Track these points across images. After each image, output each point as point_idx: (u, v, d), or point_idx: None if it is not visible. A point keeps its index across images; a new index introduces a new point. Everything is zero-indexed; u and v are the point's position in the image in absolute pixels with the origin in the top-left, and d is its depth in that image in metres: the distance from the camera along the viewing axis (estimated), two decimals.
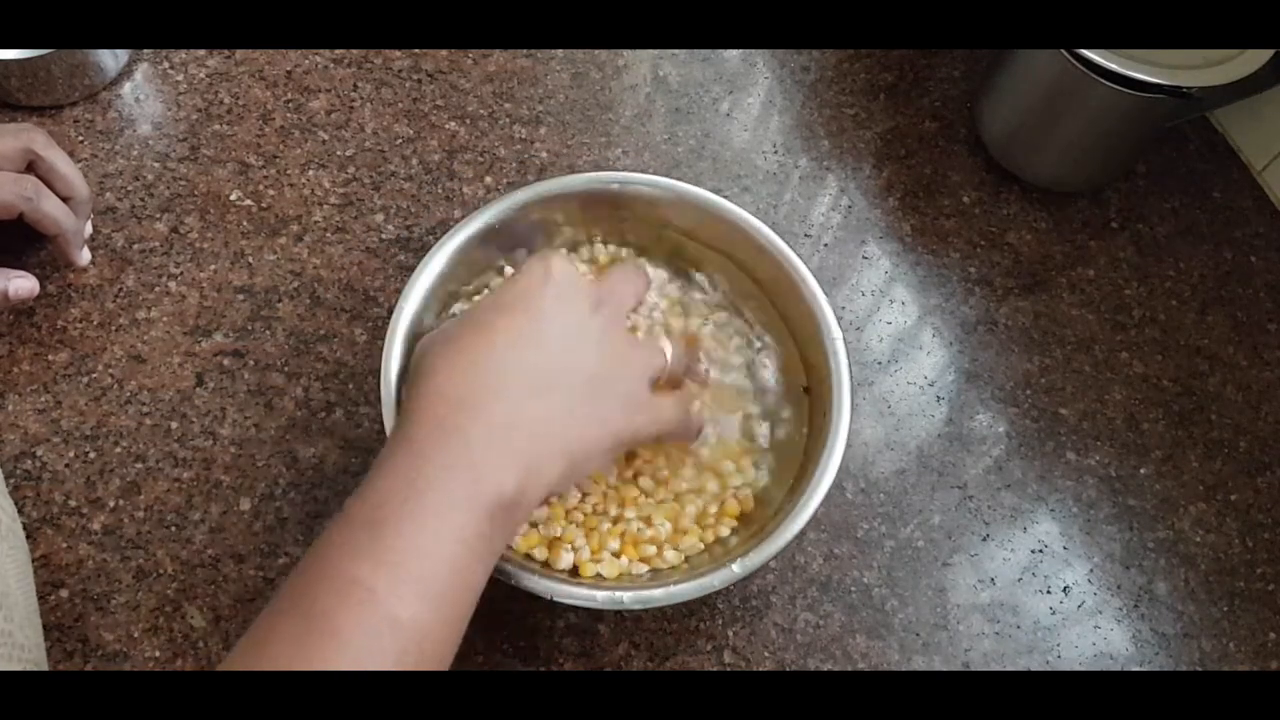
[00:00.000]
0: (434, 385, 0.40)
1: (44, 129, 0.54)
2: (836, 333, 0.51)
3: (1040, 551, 0.56)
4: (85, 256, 0.56)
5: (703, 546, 0.50)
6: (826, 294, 0.52)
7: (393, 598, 0.35)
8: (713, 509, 0.51)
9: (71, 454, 0.52)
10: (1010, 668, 0.52)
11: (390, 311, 0.51)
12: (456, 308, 0.54)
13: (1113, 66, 0.57)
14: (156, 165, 0.62)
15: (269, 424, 0.54)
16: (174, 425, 0.54)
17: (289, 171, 0.63)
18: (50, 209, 0.52)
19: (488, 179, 0.64)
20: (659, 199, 0.55)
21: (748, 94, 0.70)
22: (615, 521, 0.49)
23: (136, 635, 0.48)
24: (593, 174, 0.56)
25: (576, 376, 0.42)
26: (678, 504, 0.50)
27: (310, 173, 0.63)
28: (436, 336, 0.43)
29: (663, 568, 0.49)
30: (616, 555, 0.49)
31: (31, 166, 0.52)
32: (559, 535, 0.49)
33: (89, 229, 0.57)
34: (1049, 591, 0.55)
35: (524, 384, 0.40)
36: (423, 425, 0.39)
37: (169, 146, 0.63)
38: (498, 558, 0.40)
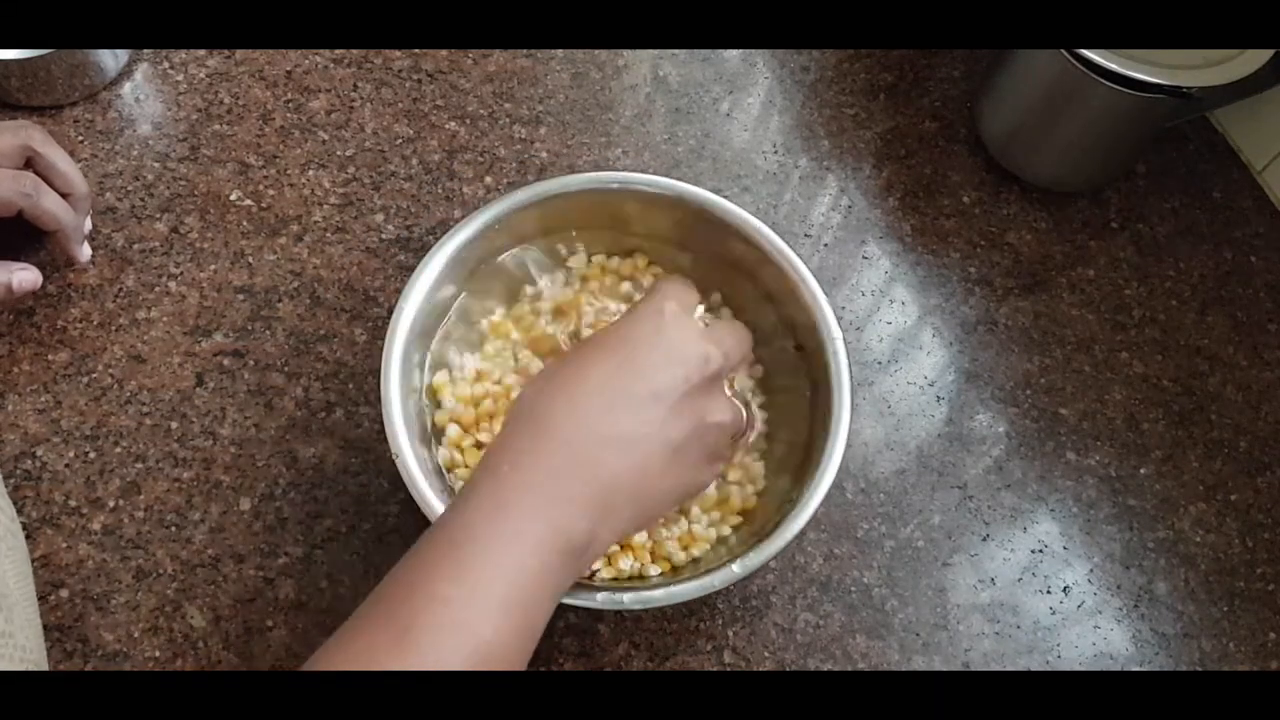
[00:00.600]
0: (525, 418, 0.41)
1: (42, 126, 0.54)
2: (836, 333, 0.51)
3: (1040, 551, 0.56)
4: (86, 253, 0.56)
5: (709, 546, 0.50)
6: (826, 294, 0.52)
7: (472, 614, 0.36)
8: (721, 510, 0.51)
9: (71, 454, 0.52)
10: (1010, 668, 0.52)
11: (390, 311, 0.51)
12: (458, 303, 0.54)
13: (1113, 66, 0.57)
14: (156, 165, 0.62)
15: (269, 424, 0.54)
16: (174, 425, 0.54)
17: (289, 171, 0.63)
18: (49, 205, 0.52)
19: (488, 179, 0.64)
20: (659, 199, 0.55)
21: (748, 94, 0.70)
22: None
23: (136, 635, 0.48)
24: (593, 174, 0.56)
25: (660, 444, 0.41)
26: (693, 506, 0.50)
27: (310, 173, 0.63)
28: (542, 371, 0.45)
29: (679, 565, 0.49)
30: (629, 558, 0.49)
31: (30, 163, 0.52)
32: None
33: (88, 225, 0.57)
34: (1049, 591, 0.55)
35: (610, 435, 0.40)
36: (510, 457, 0.40)
37: (169, 146, 0.63)
38: (564, 592, 0.40)
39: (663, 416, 0.41)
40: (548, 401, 0.41)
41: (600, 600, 0.45)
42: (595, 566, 0.48)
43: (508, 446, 0.40)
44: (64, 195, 0.54)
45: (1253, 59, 0.58)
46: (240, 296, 0.58)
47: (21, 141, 0.52)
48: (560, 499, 0.39)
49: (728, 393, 0.47)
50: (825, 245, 0.65)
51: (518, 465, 0.39)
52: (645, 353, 0.42)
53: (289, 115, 0.65)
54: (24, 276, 0.53)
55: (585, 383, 0.41)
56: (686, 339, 0.43)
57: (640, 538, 0.50)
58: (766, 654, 0.51)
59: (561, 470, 0.39)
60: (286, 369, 0.56)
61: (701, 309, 0.54)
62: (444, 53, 0.69)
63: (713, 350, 0.43)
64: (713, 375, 0.43)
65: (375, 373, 0.56)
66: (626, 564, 0.49)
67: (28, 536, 0.50)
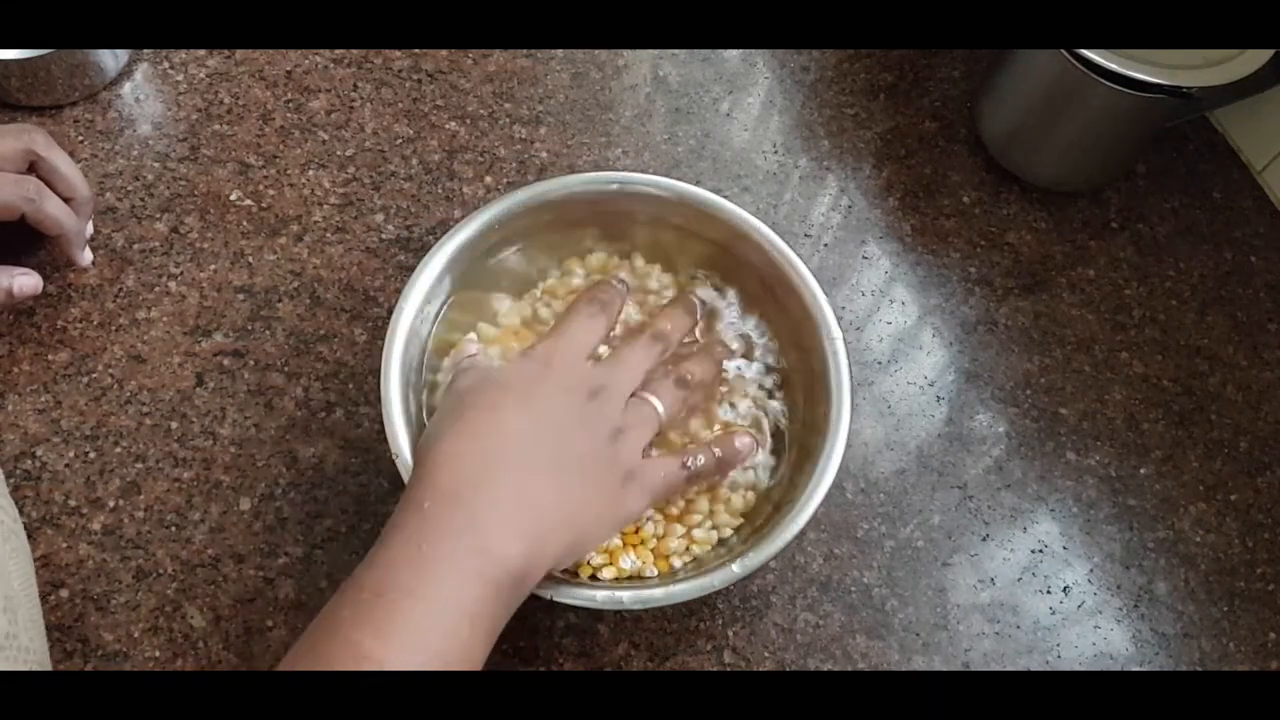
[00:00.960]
0: (442, 456, 0.41)
1: (44, 129, 0.54)
2: (836, 333, 0.51)
3: (1040, 551, 0.56)
4: (87, 257, 0.56)
5: (709, 546, 0.50)
6: (826, 294, 0.52)
7: (399, 668, 0.35)
8: (719, 510, 0.51)
9: (71, 454, 0.52)
10: (1010, 668, 0.52)
11: (390, 311, 0.51)
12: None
13: (1113, 66, 0.57)
14: (156, 165, 0.62)
15: (269, 424, 0.54)
16: (174, 425, 0.54)
17: (289, 171, 0.63)
18: (52, 210, 0.52)
19: (488, 179, 0.64)
20: (659, 199, 0.55)
21: (748, 94, 0.70)
22: (636, 531, 0.50)
23: (136, 635, 0.48)
24: (593, 174, 0.55)
25: (571, 458, 0.43)
26: (693, 506, 0.50)
27: (310, 173, 0.63)
28: (444, 410, 0.44)
29: (677, 566, 0.49)
30: (632, 547, 0.49)
31: (33, 167, 0.52)
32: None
33: (90, 229, 0.57)
34: (1049, 591, 0.55)
35: (526, 462, 0.41)
36: (431, 493, 0.40)
37: (169, 146, 0.63)
38: (501, 629, 0.40)
39: (565, 433, 0.43)
40: (460, 430, 0.42)
41: (600, 600, 0.44)
42: (598, 562, 0.48)
43: (427, 482, 0.40)
44: (66, 199, 0.54)
45: (1253, 59, 0.58)
46: (240, 296, 0.58)
47: (24, 145, 0.52)
48: (492, 529, 0.39)
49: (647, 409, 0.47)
50: (825, 245, 0.65)
51: (441, 500, 0.39)
52: (541, 386, 0.44)
53: (289, 115, 0.65)
54: (24, 282, 0.53)
55: (495, 412, 0.43)
56: (572, 373, 0.46)
57: (648, 528, 0.50)
58: (766, 654, 0.51)
59: (489, 502, 0.40)
60: (286, 369, 0.56)
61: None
62: (444, 53, 0.69)
63: (601, 376, 0.46)
64: (604, 401, 0.45)
65: (375, 373, 0.56)
66: (628, 562, 0.49)
67: (28, 536, 0.50)
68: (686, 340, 0.52)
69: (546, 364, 0.45)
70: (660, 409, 0.47)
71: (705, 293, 0.55)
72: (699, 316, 0.53)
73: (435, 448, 0.42)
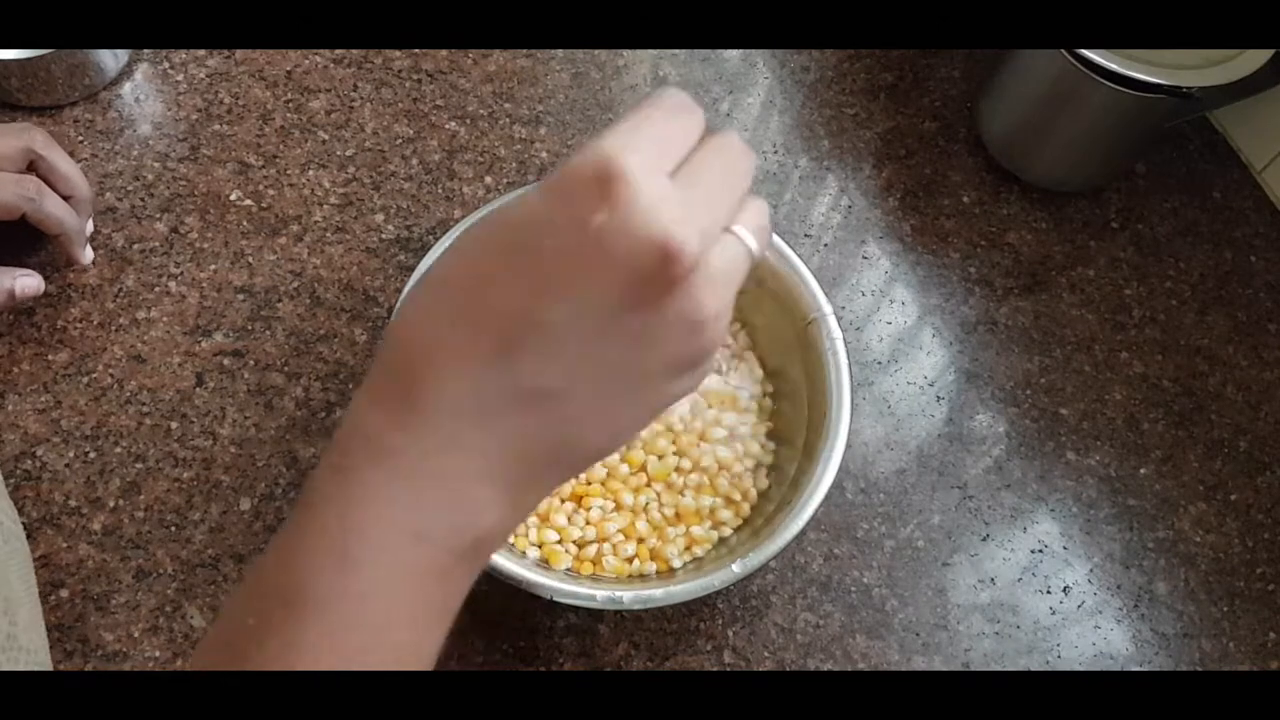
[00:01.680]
0: (396, 361, 0.29)
1: (44, 128, 0.54)
2: (836, 333, 0.51)
3: (1040, 551, 0.56)
4: (88, 255, 0.56)
5: (709, 546, 0.50)
6: (826, 294, 0.52)
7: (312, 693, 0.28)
8: (722, 510, 0.51)
9: (71, 454, 0.52)
10: (1010, 668, 0.52)
11: (390, 311, 0.51)
12: None
13: (1113, 66, 0.57)
14: (156, 165, 0.62)
15: (269, 424, 0.54)
16: (174, 425, 0.54)
17: (289, 171, 0.63)
18: (52, 209, 0.52)
19: (488, 179, 0.64)
20: None
21: (748, 94, 0.70)
22: (628, 528, 0.50)
23: (136, 635, 0.48)
24: None
25: (587, 382, 0.29)
26: (692, 504, 0.50)
27: (310, 173, 0.63)
28: (421, 283, 0.30)
29: (677, 566, 0.49)
30: (629, 560, 0.49)
31: (32, 166, 0.52)
32: (559, 539, 0.49)
33: (90, 226, 0.57)
34: (1049, 591, 0.55)
35: (516, 389, 0.28)
36: (365, 430, 0.29)
37: (169, 146, 0.63)
38: (459, 604, 0.31)
39: (590, 349, 0.28)
40: (423, 343, 0.29)
41: (600, 600, 0.45)
42: (607, 557, 0.49)
43: (365, 424, 0.29)
44: (66, 198, 0.54)
45: (1253, 59, 0.58)
46: (240, 296, 0.58)
47: (24, 144, 0.52)
48: (451, 491, 0.29)
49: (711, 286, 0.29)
50: (825, 245, 0.65)
51: (381, 452, 0.28)
52: (568, 265, 0.27)
53: (289, 115, 0.65)
54: (27, 282, 0.53)
55: (479, 309, 0.28)
56: (631, 226, 0.26)
57: (642, 526, 0.50)
58: (766, 654, 0.51)
59: (448, 446, 0.28)
60: (286, 369, 0.56)
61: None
62: (444, 53, 0.69)
63: (678, 233, 0.27)
64: (677, 276, 0.27)
65: None
66: (629, 549, 0.49)
67: (28, 536, 0.50)
68: None
69: (587, 220, 0.27)
70: (756, 251, 0.31)
71: None
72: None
73: (393, 353, 0.29)
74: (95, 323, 0.56)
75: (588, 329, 0.28)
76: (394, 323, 0.30)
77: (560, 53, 0.70)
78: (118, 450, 0.53)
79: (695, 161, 0.29)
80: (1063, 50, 0.59)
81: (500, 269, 0.28)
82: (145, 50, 0.66)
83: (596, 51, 0.71)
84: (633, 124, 0.28)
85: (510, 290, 0.28)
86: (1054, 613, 0.54)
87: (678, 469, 0.51)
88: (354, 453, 0.29)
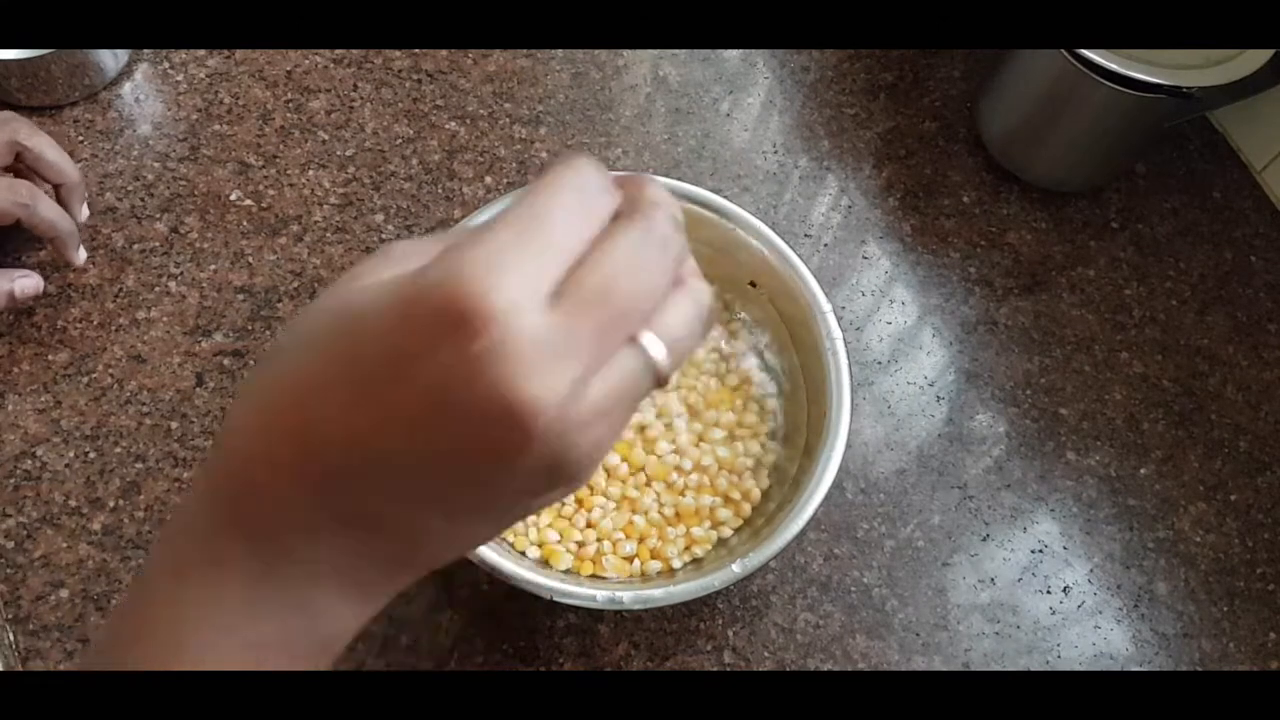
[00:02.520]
0: (222, 471, 0.26)
1: (26, 118, 0.54)
2: (836, 333, 0.51)
3: (1040, 551, 0.56)
4: (82, 255, 0.56)
5: (709, 546, 0.50)
6: (826, 294, 0.52)
7: None
8: (722, 510, 0.51)
9: (71, 454, 0.52)
10: (1010, 668, 0.52)
11: None
12: None
13: (1113, 66, 0.57)
14: (156, 165, 0.62)
15: None
16: (174, 425, 0.54)
17: (289, 171, 0.63)
18: (46, 213, 0.52)
19: (488, 179, 0.64)
20: None
21: (748, 94, 0.70)
22: (628, 525, 0.50)
23: None
24: None
25: (427, 512, 0.26)
26: (692, 504, 0.50)
27: (310, 173, 0.63)
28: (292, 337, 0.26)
29: (677, 566, 0.49)
30: (629, 559, 0.49)
31: (18, 157, 0.52)
32: (559, 539, 0.49)
33: (85, 212, 0.56)
34: (1049, 591, 0.55)
35: (347, 507, 0.25)
36: (197, 546, 0.27)
37: (169, 146, 0.63)
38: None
39: (429, 485, 0.25)
40: (251, 454, 0.26)
41: (600, 600, 0.45)
42: (607, 557, 0.49)
43: (198, 526, 0.27)
44: (56, 186, 0.53)
45: (1253, 59, 0.58)
46: (240, 296, 0.58)
47: (7, 137, 0.51)
48: (288, 599, 0.26)
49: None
50: (825, 245, 0.65)
51: (214, 558, 0.26)
52: (400, 395, 0.24)
53: (289, 115, 0.65)
54: (26, 284, 0.53)
55: (308, 429, 0.25)
56: (482, 382, 0.23)
57: (642, 526, 0.50)
58: (766, 654, 0.51)
59: (280, 558, 0.26)
60: None
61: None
62: (444, 53, 0.69)
63: (534, 393, 0.23)
64: (532, 435, 0.23)
65: None
66: (629, 549, 0.49)
67: (28, 536, 0.50)
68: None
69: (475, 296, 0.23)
70: (666, 366, 0.26)
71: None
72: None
73: (239, 406, 0.26)
74: (95, 323, 0.56)
75: (429, 473, 0.24)
76: (226, 423, 0.27)
77: (560, 53, 0.70)
78: (118, 450, 0.53)
79: (590, 264, 0.24)
80: (1063, 50, 0.59)
81: (337, 387, 0.24)
82: (145, 50, 0.66)
83: (596, 51, 0.71)
84: (514, 227, 0.24)
85: (346, 417, 0.24)
86: (1054, 613, 0.54)
87: (678, 469, 0.51)
88: (189, 554, 0.27)
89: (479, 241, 0.23)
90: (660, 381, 0.26)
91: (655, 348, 0.25)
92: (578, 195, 0.25)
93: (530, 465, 0.24)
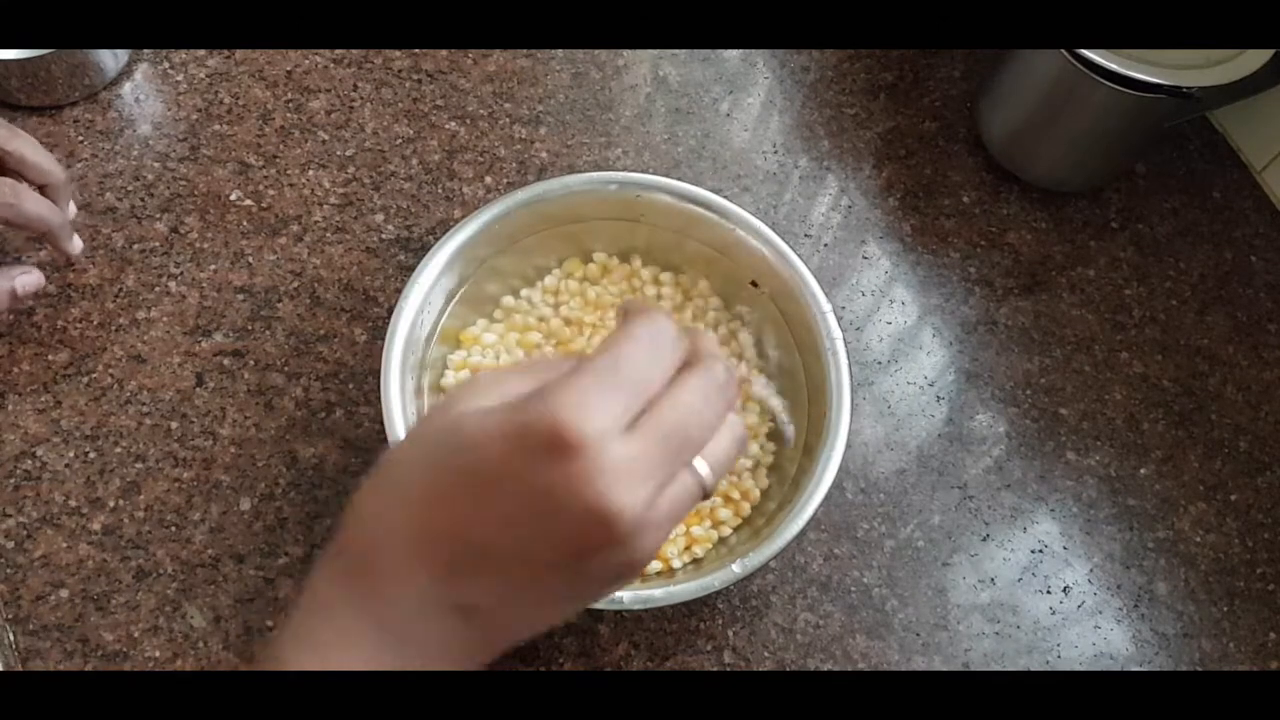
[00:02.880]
0: (350, 553, 0.32)
1: (6, 121, 0.52)
2: (836, 333, 0.51)
3: (1040, 551, 0.56)
4: (77, 245, 0.55)
5: (709, 546, 0.50)
6: (826, 294, 0.52)
7: None
8: (722, 510, 0.51)
9: (71, 454, 0.52)
10: (1010, 668, 0.52)
11: (390, 311, 0.51)
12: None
13: (1113, 66, 0.57)
14: (156, 165, 0.62)
15: (269, 424, 0.54)
16: (174, 425, 0.54)
17: (289, 171, 0.63)
18: (32, 209, 0.51)
19: (488, 179, 0.64)
20: (658, 199, 0.55)
21: (748, 94, 0.70)
22: None
23: (136, 635, 0.48)
24: (593, 174, 0.56)
25: (519, 603, 0.32)
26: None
27: (310, 173, 0.63)
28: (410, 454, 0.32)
29: (677, 566, 0.49)
30: None
31: (1, 162, 0.50)
32: None
33: (72, 210, 0.55)
34: (1049, 591, 0.55)
35: (456, 597, 0.31)
36: (325, 620, 0.32)
37: (169, 146, 0.63)
38: None
39: (526, 578, 0.31)
40: (381, 544, 0.32)
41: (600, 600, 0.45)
42: None
43: (326, 599, 0.32)
44: (41, 187, 0.52)
45: (1253, 59, 0.58)
46: (240, 296, 0.58)
47: None
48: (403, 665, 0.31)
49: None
50: (825, 245, 0.65)
51: (343, 629, 0.31)
52: (511, 505, 0.30)
53: (289, 115, 0.65)
54: (26, 280, 0.52)
55: (433, 528, 0.31)
56: (578, 497, 0.29)
57: None
58: (766, 654, 0.51)
59: (398, 637, 0.31)
60: (286, 369, 0.56)
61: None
62: (444, 53, 0.69)
63: (621, 504, 0.29)
64: (616, 538, 0.29)
65: (375, 373, 0.56)
66: None
67: (28, 536, 0.50)
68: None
69: (558, 454, 0.29)
70: (710, 485, 0.32)
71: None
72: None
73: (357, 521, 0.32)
74: (95, 323, 0.56)
75: (527, 565, 0.31)
76: (356, 511, 0.32)
77: (560, 53, 0.70)
78: (118, 450, 0.53)
79: (665, 405, 0.31)
80: (1063, 50, 0.59)
81: (457, 495, 0.30)
82: (145, 50, 0.66)
83: (596, 51, 0.71)
84: (603, 369, 0.30)
85: (464, 519, 0.30)
86: (1054, 613, 0.54)
87: None
88: (317, 628, 0.32)
89: (571, 382, 0.30)
90: (705, 495, 0.32)
91: (705, 470, 0.32)
92: (650, 344, 0.31)
93: (609, 559, 0.30)
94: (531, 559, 0.30)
